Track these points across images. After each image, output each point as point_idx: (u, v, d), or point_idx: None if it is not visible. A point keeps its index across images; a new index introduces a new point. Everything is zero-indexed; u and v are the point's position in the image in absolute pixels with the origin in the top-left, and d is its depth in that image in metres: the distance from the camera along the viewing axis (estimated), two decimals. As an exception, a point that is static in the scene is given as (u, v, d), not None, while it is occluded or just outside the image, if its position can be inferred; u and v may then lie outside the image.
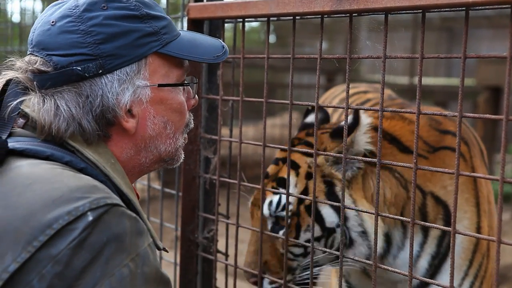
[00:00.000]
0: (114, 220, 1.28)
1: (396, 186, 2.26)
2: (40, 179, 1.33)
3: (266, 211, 2.22)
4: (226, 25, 2.17)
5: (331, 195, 2.19)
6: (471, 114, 1.31)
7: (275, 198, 2.23)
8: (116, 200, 1.33)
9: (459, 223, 2.31)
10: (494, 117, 1.27)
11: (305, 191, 2.21)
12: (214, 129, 2.21)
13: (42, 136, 1.45)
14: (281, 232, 2.21)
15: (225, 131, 2.85)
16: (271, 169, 2.35)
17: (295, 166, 2.25)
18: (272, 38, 14.42)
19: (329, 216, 2.17)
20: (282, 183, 2.24)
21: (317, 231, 2.18)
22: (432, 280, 1.62)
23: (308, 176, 2.22)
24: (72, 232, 1.24)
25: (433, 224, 1.53)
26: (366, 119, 2.20)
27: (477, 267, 2.38)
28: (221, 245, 2.22)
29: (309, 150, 1.94)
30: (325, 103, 3.71)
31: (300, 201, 2.20)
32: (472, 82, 8.41)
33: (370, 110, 1.64)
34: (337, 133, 2.23)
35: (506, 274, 5.42)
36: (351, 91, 3.90)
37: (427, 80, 10.18)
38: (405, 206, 2.27)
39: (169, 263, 2.91)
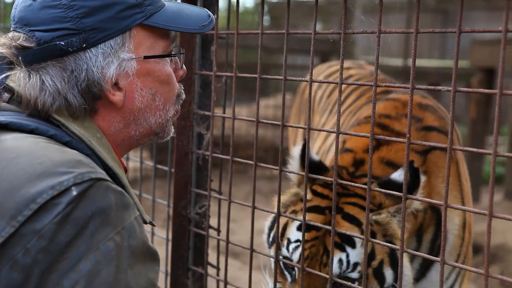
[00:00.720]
0: (98, 194, 1.28)
1: (411, 217, 2.28)
2: (24, 153, 1.32)
3: (336, 269, 2.11)
4: (220, 6, 2.14)
5: (394, 256, 2.12)
6: (465, 89, 1.31)
7: (343, 256, 2.12)
8: (101, 174, 1.33)
9: (450, 221, 2.43)
10: (488, 91, 1.27)
11: (372, 253, 2.13)
12: (207, 105, 2.20)
13: (28, 110, 1.44)
14: None
15: (218, 110, 2.84)
16: (315, 218, 2.16)
17: (356, 223, 2.15)
18: (266, 20, 14.35)
19: (389, 277, 2.13)
20: (346, 240, 2.11)
21: None
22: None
23: (373, 235, 2.12)
24: (56, 207, 1.24)
25: (426, 199, 1.53)
26: (422, 177, 2.13)
27: (462, 258, 2.51)
28: (213, 223, 2.22)
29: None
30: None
31: (368, 263, 2.10)
32: (466, 64, 8.41)
33: (364, 85, 1.63)
34: (389, 187, 2.07)
35: (496, 253, 5.48)
36: (334, 68, 3.89)
37: (421, 62, 10.18)
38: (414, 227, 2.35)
39: (161, 240, 2.92)
